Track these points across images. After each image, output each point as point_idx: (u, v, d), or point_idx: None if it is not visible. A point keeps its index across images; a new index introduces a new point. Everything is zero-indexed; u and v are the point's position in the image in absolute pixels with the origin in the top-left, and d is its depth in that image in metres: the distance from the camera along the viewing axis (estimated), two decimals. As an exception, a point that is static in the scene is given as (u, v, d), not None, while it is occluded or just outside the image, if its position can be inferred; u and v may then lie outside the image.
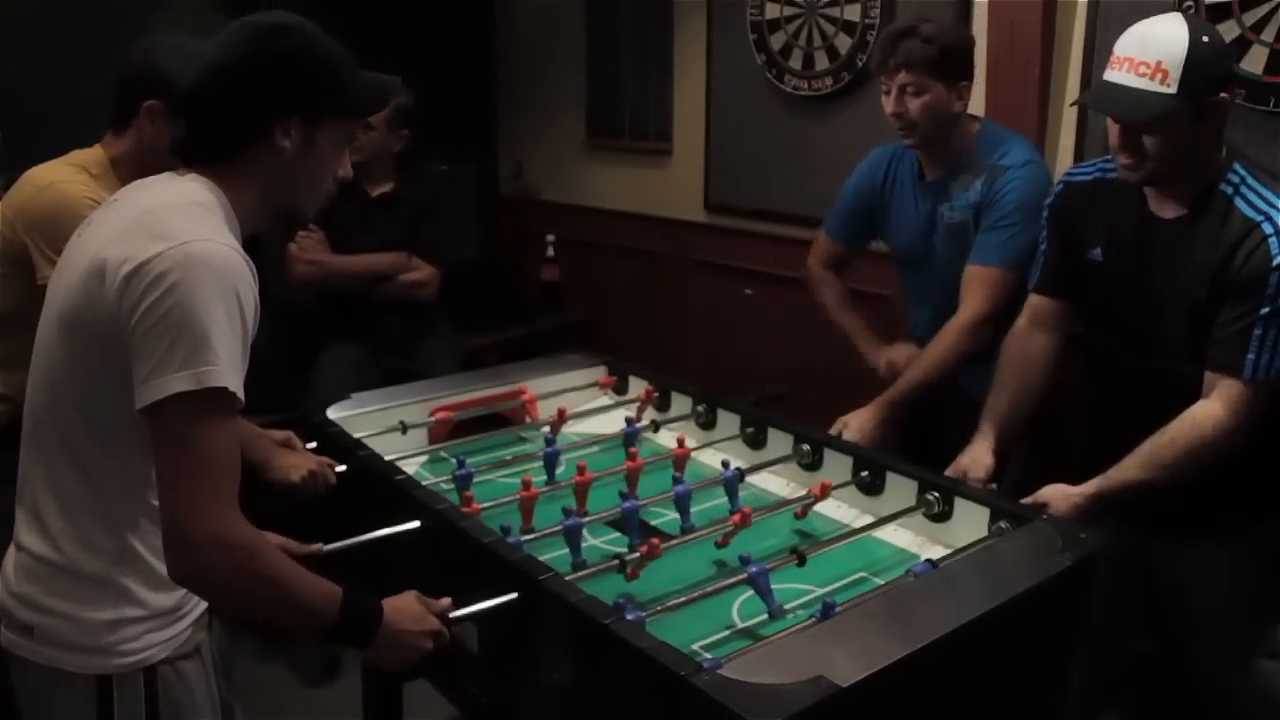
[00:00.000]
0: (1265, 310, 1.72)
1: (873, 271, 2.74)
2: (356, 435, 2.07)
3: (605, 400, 2.49)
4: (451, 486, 1.91)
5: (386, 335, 3.11)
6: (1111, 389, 2.01)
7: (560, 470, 2.04)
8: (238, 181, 1.36)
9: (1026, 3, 2.60)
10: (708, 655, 1.39)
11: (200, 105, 1.36)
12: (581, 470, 1.87)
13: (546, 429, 2.26)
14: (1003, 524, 1.74)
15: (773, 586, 1.56)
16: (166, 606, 1.38)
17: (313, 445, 1.99)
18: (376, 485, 1.90)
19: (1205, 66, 1.71)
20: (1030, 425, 2.10)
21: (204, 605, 1.45)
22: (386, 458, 2.00)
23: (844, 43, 3.10)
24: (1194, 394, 1.79)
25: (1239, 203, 1.77)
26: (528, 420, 2.37)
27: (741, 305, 3.56)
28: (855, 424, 2.14)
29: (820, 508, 1.90)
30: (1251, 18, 2.26)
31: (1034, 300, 2.08)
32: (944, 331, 2.24)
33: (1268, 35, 2.24)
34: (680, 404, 2.36)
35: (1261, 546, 1.91)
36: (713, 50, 3.52)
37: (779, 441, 2.12)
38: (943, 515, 1.83)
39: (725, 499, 1.89)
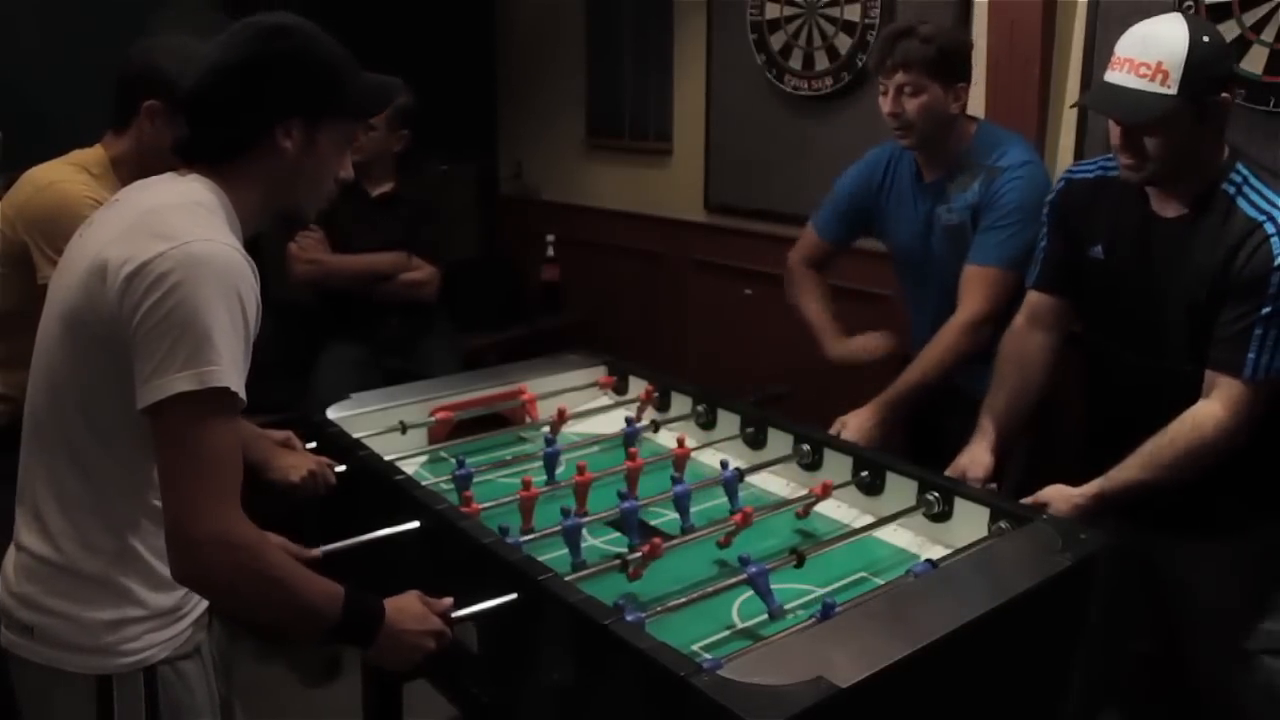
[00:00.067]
0: (1266, 310, 1.72)
1: (873, 271, 2.74)
2: (356, 435, 2.07)
3: (605, 400, 2.49)
4: (451, 486, 1.91)
5: (386, 335, 3.11)
6: (1111, 388, 2.01)
7: (560, 470, 2.04)
8: (239, 182, 1.36)
9: (1026, 3, 2.60)
10: (707, 656, 1.39)
11: (202, 106, 1.36)
12: (581, 470, 1.87)
13: (546, 429, 2.26)
14: (1002, 524, 1.74)
15: (773, 587, 1.56)
16: (167, 606, 1.38)
17: (312, 445, 1.99)
18: (376, 485, 1.90)
19: (1206, 67, 1.71)
20: (1030, 424, 2.10)
21: (204, 605, 1.45)
22: (386, 458, 2.00)
23: (844, 43, 3.10)
24: (1194, 393, 1.79)
25: (1241, 202, 1.77)
26: (528, 420, 2.37)
27: (741, 305, 3.56)
28: (854, 424, 2.14)
29: (820, 508, 1.90)
30: (1251, 18, 2.25)
31: (1032, 298, 2.08)
32: (943, 331, 2.24)
33: (1268, 35, 2.24)
34: (680, 404, 2.36)
35: (1262, 544, 1.91)
36: (713, 50, 3.52)
37: (779, 441, 2.12)
38: (943, 515, 1.83)
39: (725, 499, 1.89)
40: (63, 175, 1.93)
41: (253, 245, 1.36)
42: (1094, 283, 1.97)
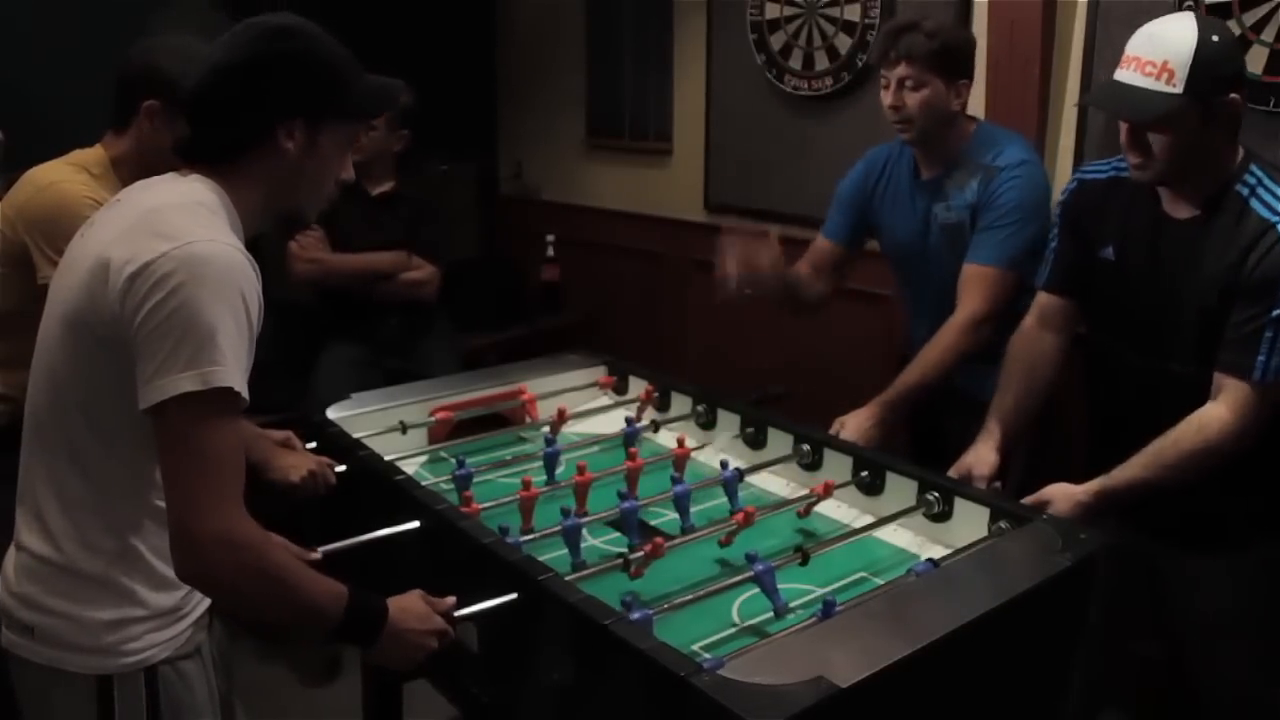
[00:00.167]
0: (1277, 313, 1.70)
1: (873, 271, 2.74)
2: (356, 435, 2.07)
3: (605, 400, 2.49)
4: (451, 486, 1.91)
5: (386, 335, 3.11)
6: (1117, 390, 1.99)
7: (560, 470, 2.04)
8: (240, 182, 1.36)
9: (1026, 3, 2.60)
10: (707, 655, 1.39)
11: (204, 106, 1.36)
12: (581, 470, 1.87)
13: (546, 429, 2.26)
14: (1002, 524, 1.74)
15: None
16: (167, 606, 1.38)
17: (312, 445, 1.99)
18: (376, 485, 1.90)
19: (1213, 66, 1.69)
20: (1034, 424, 2.09)
21: (205, 605, 1.45)
22: (386, 458, 2.00)
23: (844, 43, 3.10)
24: (1202, 396, 1.78)
25: (1254, 204, 1.75)
26: (528, 420, 2.37)
27: (741, 305, 3.55)
28: (852, 424, 2.14)
29: (820, 508, 1.90)
30: (1251, 18, 2.26)
31: (1042, 299, 2.07)
32: (942, 331, 2.24)
33: (1268, 35, 2.24)
34: (680, 404, 2.36)
35: (1268, 561, 1.89)
36: (713, 50, 3.52)
37: (779, 441, 2.12)
38: (943, 515, 1.83)
39: (725, 499, 1.89)
40: (63, 175, 1.93)
41: (253, 245, 1.36)
42: (1104, 284, 1.95)
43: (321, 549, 1.62)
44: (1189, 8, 2.31)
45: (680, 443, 2.06)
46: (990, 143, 2.30)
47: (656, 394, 2.38)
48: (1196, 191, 1.81)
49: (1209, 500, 1.82)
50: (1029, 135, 2.48)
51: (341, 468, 1.94)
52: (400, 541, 1.72)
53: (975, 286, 2.23)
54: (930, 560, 1.63)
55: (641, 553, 1.61)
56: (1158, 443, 1.76)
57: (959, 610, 1.42)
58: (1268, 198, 1.75)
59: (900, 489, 1.89)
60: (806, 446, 2.05)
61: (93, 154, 1.98)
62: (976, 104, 2.62)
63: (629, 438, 2.15)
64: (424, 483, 1.92)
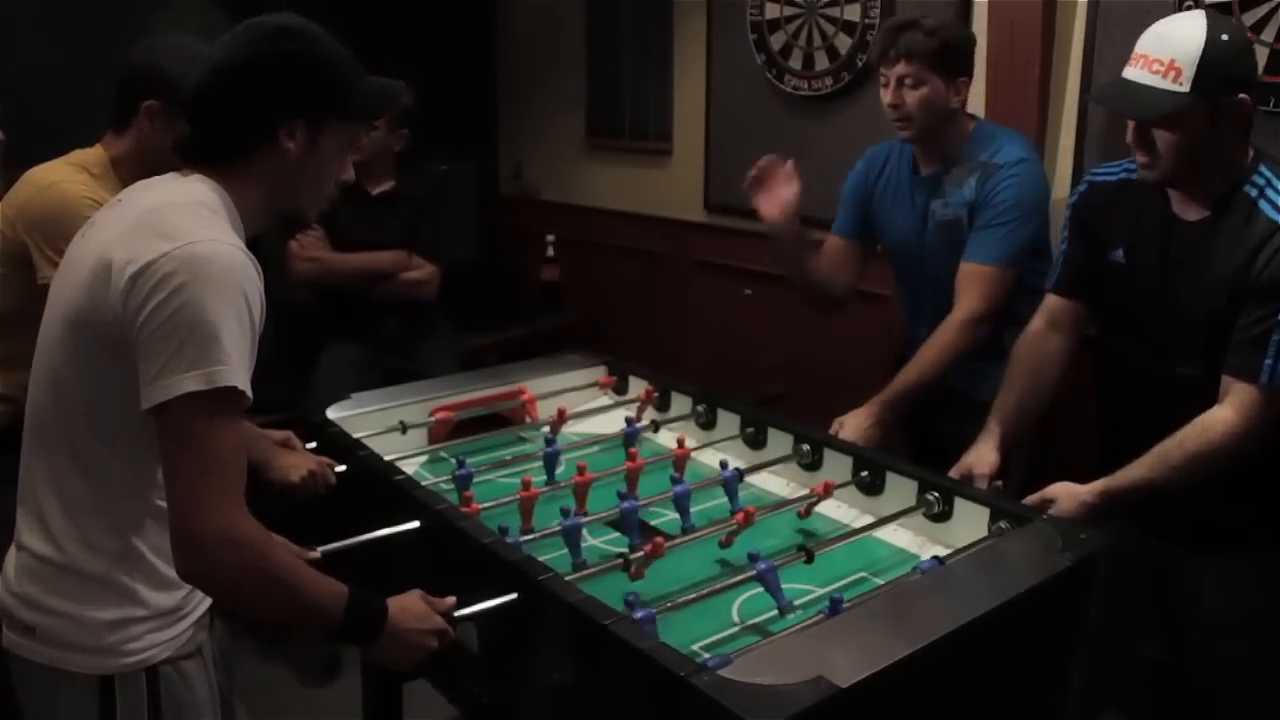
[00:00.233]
0: None
1: (873, 271, 2.74)
2: (356, 435, 2.07)
3: (605, 400, 2.49)
4: (451, 486, 1.91)
5: (386, 335, 3.11)
6: (1126, 393, 1.98)
7: (560, 470, 2.04)
8: (241, 182, 1.36)
9: (1026, 3, 2.60)
10: (707, 655, 1.39)
11: (205, 105, 1.36)
12: (581, 470, 1.87)
13: (546, 429, 2.26)
14: (1003, 524, 1.74)
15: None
16: (169, 606, 1.38)
17: (312, 445, 1.99)
18: (376, 485, 1.90)
19: (1221, 66, 1.68)
20: (1037, 425, 2.09)
21: (206, 605, 1.46)
22: (386, 458, 2.00)
23: (844, 43, 3.10)
24: (1211, 399, 1.76)
25: (1263, 205, 1.74)
26: (528, 420, 2.37)
27: (741, 305, 3.56)
28: (851, 424, 2.14)
29: (820, 508, 1.90)
30: (1251, 18, 2.26)
31: (1051, 300, 2.05)
32: (940, 330, 2.24)
33: (1268, 35, 2.24)
34: (680, 404, 2.36)
35: (1276, 565, 1.89)
36: (713, 50, 3.52)
37: (779, 441, 2.12)
38: (943, 515, 1.83)
39: (725, 499, 1.89)
40: (63, 176, 1.93)
41: (253, 244, 1.36)
42: (1114, 286, 1.94)
43: (321, 549, 1.62)
44: (1188, 7, 2.31)
45: (680, 443, 2.06)
46: (989, 140, 2.30)
47: (656, 394, 2.38)
48: (1206, 192, 1.79)
49: (1219, 502, 1.82)
50: (1029, 135, 2.48)
51: (341, 468, 1.94)
52: (400, 541, 1.72)
53: (973, 285, 2.23)
54: (936, 558, 1.63)
55: (641, 553, 1.61)
56: (1163, 444, 1.76)
57: (959, 610, 1.42)
58: (1276, 198, 1.74)
59: (900, 489, 1.89)
60: (806, 446, 2.05)
61: (93, 154, 1.98)
62: (976, 103, 2.62)
63: (629, 438, 2.15)
64: (424, 483, 1.92)
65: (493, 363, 2.97)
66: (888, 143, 2.47)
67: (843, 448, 2.02)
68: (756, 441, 2.16)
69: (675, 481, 1.87)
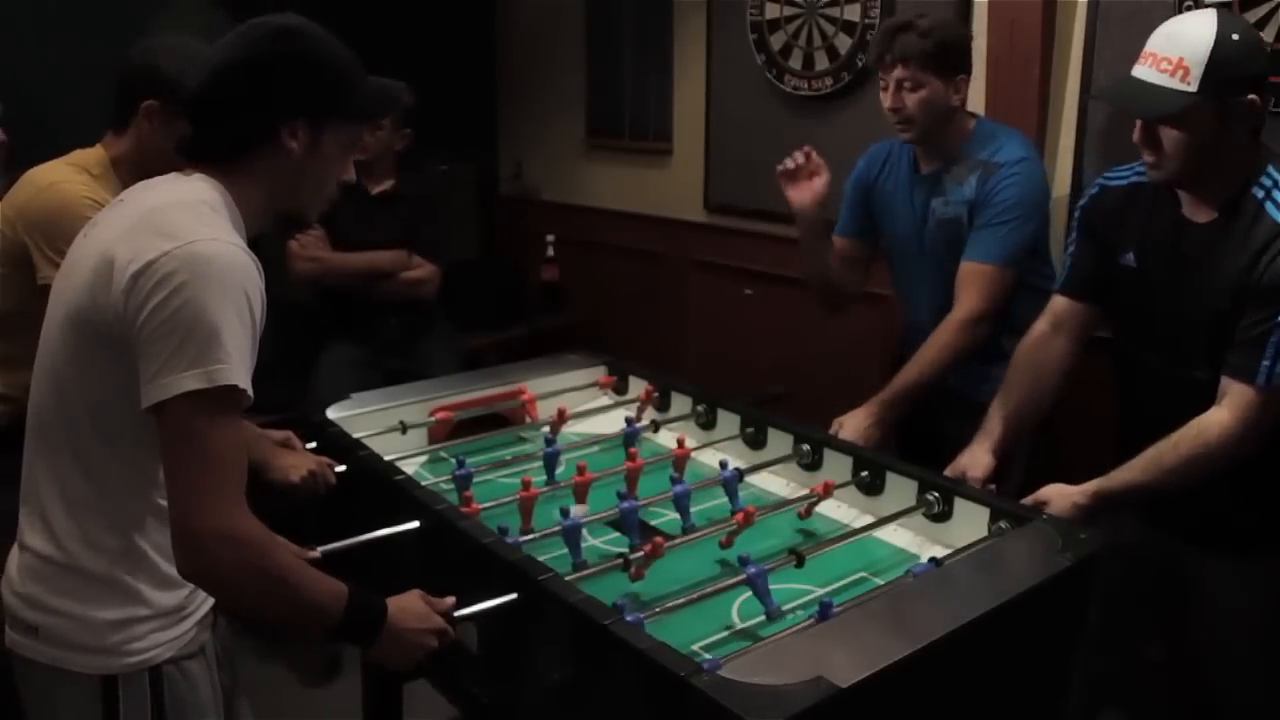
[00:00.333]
0: None
1: (873, 271, 2.74)
2: (356, 435, 2.08)
3: (605, 400, 2.49)
4: (451, 486, 1.91)
5: (386, 335, 3.11)
6: (1144, 396, 1.96)
7: (560, 470, 2.04)
8: (243, 182, 1.36)
9: (1026, 3, 2.60)
10: (707, 656, 1.39)
11: (207, 105, 1.37)
12: (581, 470, 1.87)
13: (546, 429, 2.26)
14: (1002, 524, 1.74)
15: (772, 587, 1.56)
16: (171, 606, 1.38)
17: (312, 445, 1.99)
18: (376, 485, 1.90)
19: (1229, 65, 1.67)
20: (1036, 428, 2.08)
21: (208, 604, 1.46)
22: (386, 458, 2.00)
23: (844, 43, 3.10)
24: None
25: (1270, 207, 1.73)
26: (527, 420, 2.37)
27: (741, 305, 3.56)
28: (851, 424, 2.14)
29: (820, 508, 1.90)
30: (1251, 18, 2.25)
31: (1057, 302, 2.04)
32: (940, 329, 2.24)
33: (1268, 35, 2.24)
34: (680, 404, 2.36)
35: None
36: (713, 50, 3.52)
37: (779, 441, 2.12)
38: (943, 515, 1.83)
39: (725, 499, 1.89)
40: (63, 176, 1.93)
41: (253, 244, 1.36)
42: (1125, 290, 1.93)
43: (321, 549, 1.62)
44: (1188, 7, 2.31)
45: (680, 443, 2.06)
46: (990, 139, 2.30)
47: (656, 394, 2.38)
48: (1215, 194, 1.78)
49: (1233, 504, 1.81)
50: (1029, 134, 2.48)
51: (341, 468, 1.94)
52: (400, 541, 1.72)
53: (973, 284, 2.23)
54: (933, 560, 1.63)
55: (641, 553, 1.61)
56: (1158, 446, 1.75)
57: (959, 610, 1.42)
58: None
59: (900, 489, 1.89)
60: (806, 446, 2.05)
61: (93, 154, 1.98)
62: (977, 103, 2.62)
63: (629, 438, 2.15)
64: (424, 483, 1.92)
65: (493, 363, 2.98)
66: (888, 141, 2.47)
67: (843, 448, 2.03)
68: (756, 441, 2.16)
69: (675, 481, 1.87)
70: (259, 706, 1.72)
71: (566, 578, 1.52)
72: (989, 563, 1.63)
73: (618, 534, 1.80)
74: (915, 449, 2.23)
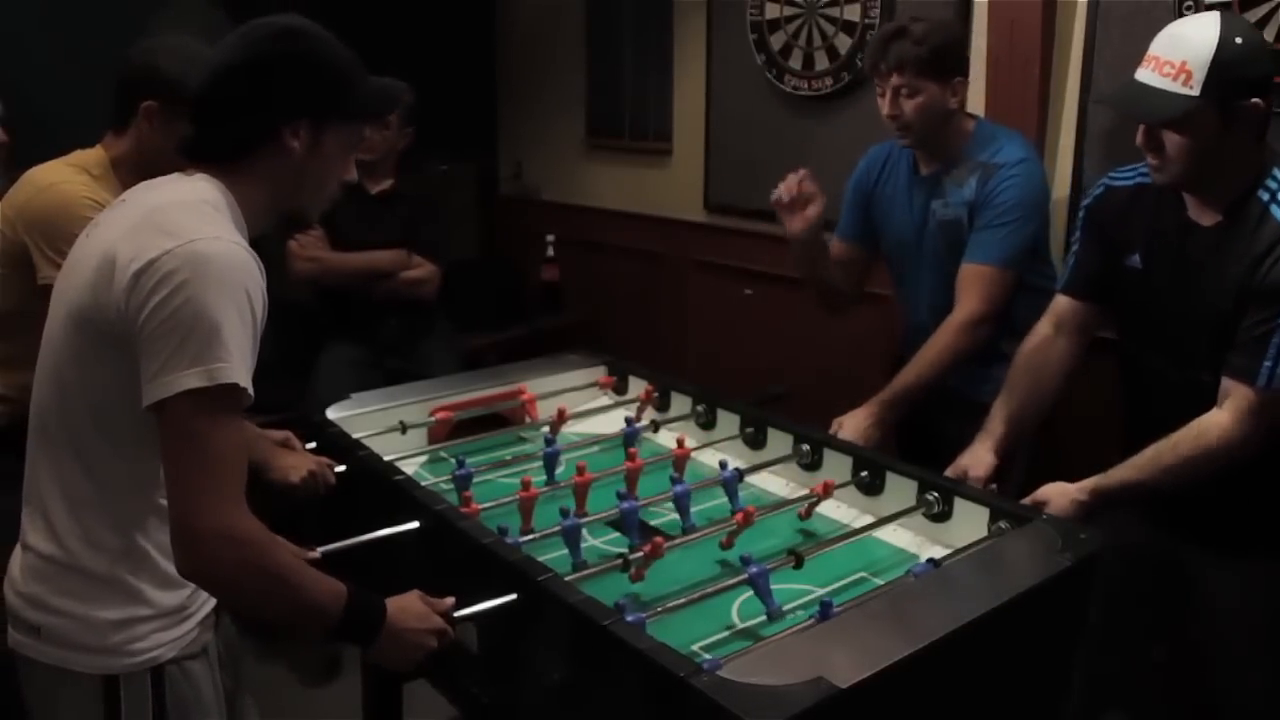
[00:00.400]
0: None
1: (872, 272, 2.74)
2: (356, 435, 2.08)
3: (605, 400, 2.49)
4: (451, 487, 1.91)
5: (386, 335, 3.11)
6: (1150, 398, 1.95)
7: (560, 470, 2.04)
8: (245, 182, 1.37)
9: (1026, 3, 2.60)
10: (707, 656, 1.39)
11: (209, 105, 1.37)
12: (581, 470, 1.87)
13: (546, 429, 2.26)
14: (1002, 524, 1.74)
15: (772, 587, 1.56)
16: (174, 605, 1.38)
17: (312, 445, 1.99)
18: (376, 485, 1.90)
19: (1233, 69, 1.66)
20: (1037, 428, 2.08)
21: (211, 604, 1.46)
22: (386, 458, 2.00)
23: (844, 43, 3.10)
24: None
25: (1274, 209, 1.72)
26: (527, 420, 2.37)
27: (741, 305, 3.56)
28: (850, 424, 2.14)
29: (820, 508, 1.90)
30: (1251, 18, 2.25)
31: (1060, 302, 2.04)
32: (940, 331, 2.24)
33: (1268, 35, 2.24)
34: (680, 404, 2.36)
35: None
36: (713, 50, 3.52)
37: (779, 441, 2.12)
38: (943, 515, 1.83)
39: (725, 499, 1.89)
40: (63, 176, 1.93)
41: (253, 244, 1.36)
42: (1130, 291, 1.92)
43: (321, 549, 1.62)
44: (1188, 8, 2.31)
45: (680, 443, 2.06)
46: (989, 140, 2.30)
47: (656, 394, 2.38)
48: (1219, 197, 1.78)
49: (1233, 505, 1.81)
50: (1029, 135, 2.48)
51: (341, 468, 1.94)
52: (400, 541, 1.72)
53: (973, 286, 2.23)
54: (931, 560, 1.63)
55: (641, 553, 1.61)
56: (1158, 445, 1.75)
57: (959, 610, 1.42)
58: None
59: (900, 489, 1.89)
60: (806, 446, 2.05)
61: (93, 154, 1.98)
62: (977, 103, 2.62)
63: (629, 438, 2.15)
64: (424, 483, 1.92)
65: (493, 363, 2.97)
66: (888, 142, 2.46)
67: (842, 448, 2.02)
68: (756, 441, 2.16)
69: (675, 481, 1.87)
70: (259, 707, 1.73)
71: (566, 578, 1.52)
72: (989, 563, 1.63)
73: (618, 534, 1.80)
74: (915, 449, 2.23)
